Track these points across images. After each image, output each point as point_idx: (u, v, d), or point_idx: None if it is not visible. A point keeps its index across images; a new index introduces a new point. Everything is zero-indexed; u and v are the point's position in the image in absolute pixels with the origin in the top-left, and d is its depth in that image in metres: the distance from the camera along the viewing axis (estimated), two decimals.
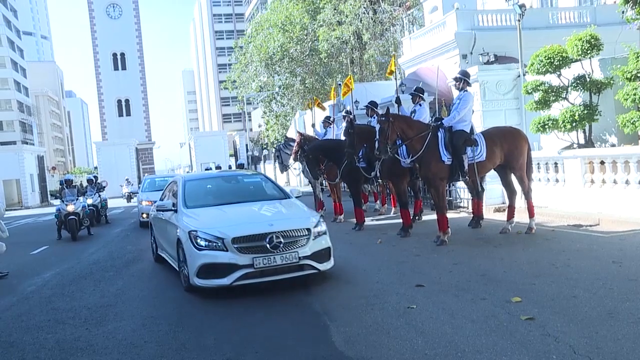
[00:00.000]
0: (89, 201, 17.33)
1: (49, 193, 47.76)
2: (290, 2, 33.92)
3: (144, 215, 15.70)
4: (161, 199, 9.23)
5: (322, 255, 6.79)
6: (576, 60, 11.46)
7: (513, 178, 9.63)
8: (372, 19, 29.88)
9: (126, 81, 66.00)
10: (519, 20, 14.09)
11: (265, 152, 51.15)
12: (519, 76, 13.16)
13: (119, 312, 6.36)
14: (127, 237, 14.60)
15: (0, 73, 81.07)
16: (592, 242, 8.13)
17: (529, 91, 12.00)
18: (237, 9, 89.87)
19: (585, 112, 11.02)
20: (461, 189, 13.12)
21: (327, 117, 15.29)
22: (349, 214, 12.94)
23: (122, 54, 66.44)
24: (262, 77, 38.54)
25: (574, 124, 11.15)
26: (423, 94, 10.83)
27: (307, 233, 6.65)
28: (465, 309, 5.27)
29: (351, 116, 12.83)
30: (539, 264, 6.93)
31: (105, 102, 66.50)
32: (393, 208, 13.74)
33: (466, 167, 9.02)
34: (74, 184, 16.62)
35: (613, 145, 11.56)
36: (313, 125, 17.59)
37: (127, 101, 67.25)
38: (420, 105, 10.63)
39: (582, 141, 11.84)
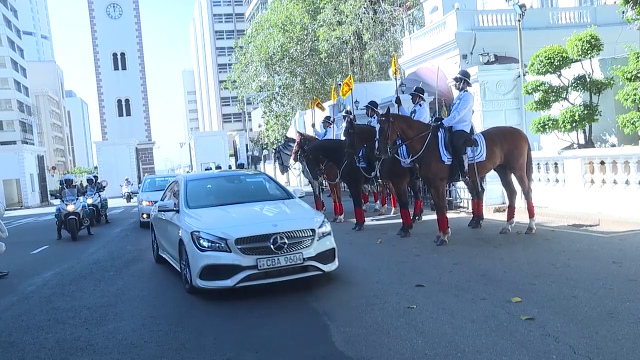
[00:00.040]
0: (89, 201, 17.33)
1: (49, 193, 47.77)
2: (290, 2, 33.93)
3: (144, 216, 15.61)
4: (162, 199, 9.12)
5: (326, 256, 6.71)
6: (576, 61, 11.46)
7: (513, 178, 9.63)
8: (372, 19, 29.89)
9: (126, 81, 66.06)
10: (519, 21, 14.10)
11: (265, 152, 51.18)
12: (519, 76, 13.17)
13: (119, 312, 6.36)
14: (127, 237, 14.60)
15: (0, 73, 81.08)
16: (592, 243, 8.13)
17: (529, 91, 12.01)
18: (237, 8, 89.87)
19: (586, 112, 11.02)
20: (461, 189, 13.12)
21: (327, 117, 15.29)
22: (349, 214, 12.94)
23: (122, 54, 66.48)
24: (262, 77, 38.56)
25: (574, 124, 11.15)
26: (423, 94, 10.83)
27: (311, 234, 6.56)
28: (465, 309, 5.27)
29: (351, 116, 12.83)
30: (539, 264, 6.93)
31: (105, 102, 66.55)
32: (393, 208, 13.74)
33: (466, 167, 9.02)
34: (74, 184, 16.61)
35: (613, 146, 11.56)
36: (313, 125, 17.61)
37: (127, 101, 67.30)
38: (420, 105, 10.63)
39: (582, 141, 11.84)
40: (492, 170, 9.78)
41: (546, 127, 11.67)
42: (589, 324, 4.58)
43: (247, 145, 51.51)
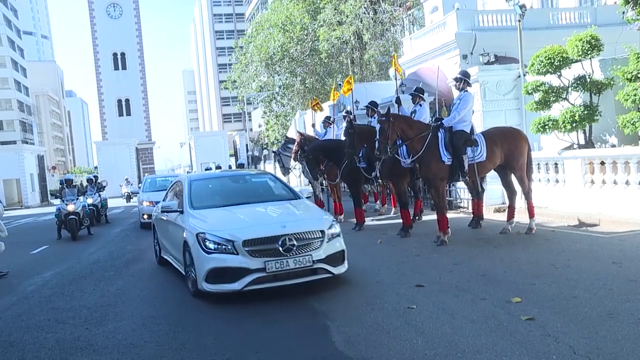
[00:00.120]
0: (89, 201, 17.33)
1: (49, 193, 47.79)
2: (290, 2, 33.92)
3: (145, 216, 15.40)
4: (164, 200, 8.99)
5: (336, 258, 6.53)
6: (576, 61, 11.46)
7: (513, 178, 9.63)
8: (372, 19, 29.88)
9: (126, 81, 66.12)
10: (519, 21, 14.09)
11: (265, 152, 51.17)
12: (519, 76, 13.17)
13: (119, 311, 6.36)
14: (127, 237, 14.60)
15: (0, 72, 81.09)
16: (592, 243, 8.13)
17: (529, 91, 12.01)
18: (237, 8, 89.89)
19: (586, 112, 11.02)
20: (461, 189, 13.12)
21: (327, 117, 15.29)
22: (349, 214, 12.94)
23: (123, 54, 66.53)
24: (263, 77, 38.55)
25: (574, 125, 11.15)
26: (423, 94, 10.83)
27: (320, 235, 6.38)
28: (465, 309, 5.27)
29: (351, 116, 12.83)
30: (539, 265, 6.93)
31: (106, 101, 66.61)
32: (393, 208, 13.74)
33: (466, 167, 9.02)
34: (74, 184, 16.59)
35: (613, 146, 11.55)
36: (313, 125, 17.61)
37: (127, 101, 67.34)
38: (420, 105, 10.63)
39: (582, 142, 11.84)
40: (492, 171, 9.78)
41: (546, 127, 11.67)
42: (589, 324, 4.58)
43: (247, 145, 51.53)
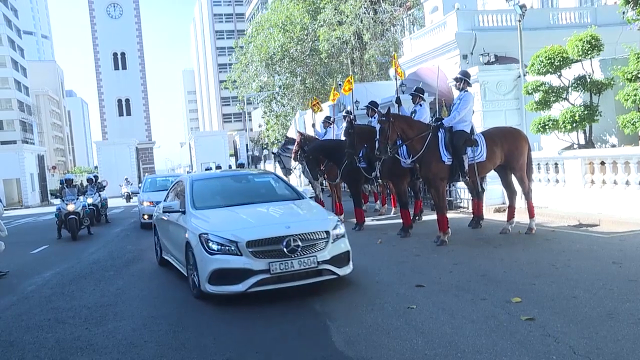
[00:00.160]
0: (89, 201, 17.32)
1: (49, 192, 47.79)
2: (290, 2, 33.92)
3: (145, 217, 15.32)
4: (165, 200, 8.92)
5: (341, 259, 6.44)
6: (577, 61, 11.46)
7: (513, 178, 9.63)
8: (372, 19, 29.88)
9: (126, 81, 66.14)
10: (519, 21, 14.09)
11: (265, 152, 51.18)
12: (519, 76, 13.17)
13: (119, 311, 6.36)
14: (127, 237, 14.60)
15: (0, 72, 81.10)
16: (592, 243, 8.13)
17: (530, 91, 12.00)
18: (237, 8, 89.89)
19: (586, 112, 11.02)
20: (461, 189, 13.12)
21: (327, 117, 15.29)
22: (349, 214, 12.94)
23: (123, 54, 66.56)
24: (263, 77, 38.56)
25: (574, 125, 11.15)
26: (423, 94, 10.83)
27: (325, 236, 6.29)
28: (465, 309, 5.27)
29: (351, 116, 12.83)
30: (539, 265, 6.93)
31: (106, 101, 66.64)
32: (393, 208, 13.74)
33: (466, 167, 9.02)
34: (74, 184, 16.58)
35: (613, 146, 11.55)
36: (313, 125, 17.60)
37: (127, 101, 67.36)
38: (420, 105, 10.63)
39: (582, 142, 11.83)
40: (493, 171, 9.78)
41: (546, 127, 11.67)
42: (589, 325, 4.58)
43: (247, 145, 51.56)
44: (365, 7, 29.68)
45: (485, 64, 16.99)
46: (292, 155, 14.15)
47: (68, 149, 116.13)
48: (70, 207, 14.39)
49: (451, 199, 13.23)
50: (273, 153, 20.62)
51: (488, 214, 11.57)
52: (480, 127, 11.60)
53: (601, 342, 4.20)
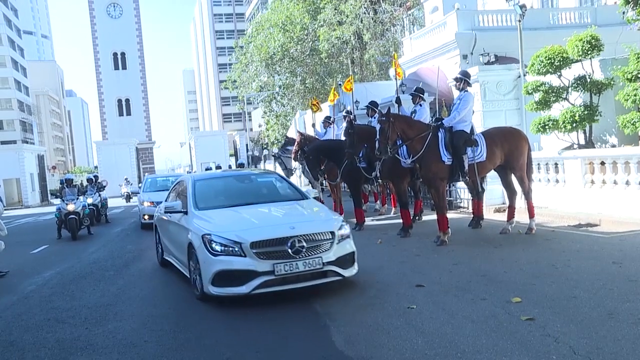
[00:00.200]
0: (89, 200, 17.30)
1: (49, 192, 47.81)
2: (290, 2, 33.91)
3: (146, 217, 15.21)
4: (166, 200, 8.82)
5: (346, 260, 6.36)
6: (577, 61, 11.46)
7: (513, 178, 9.63)
8: (372, 19, 29.87)
9: (126, 81, 66.15)
10: (519, 21, 14.10)
11: (265, 152, 51.17)
12: (519, 76, 13.16)
13: (119, 311, 6.36)
14: (128, 237, 14.60)
15: (0, 72, 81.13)
16: (592, 243, 8.13)
17: (530, 92, 12.00)
18: (237, 8, 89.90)
19: (586, 112, 11.02)
20: (461, 189, 13.12)
21: (328, 117, 15.30)
22: (349, 214, 12.93)
23: (123, 54, 66.56)
24: (263, 77, 38.56)
25: (574, 125, 11.15)
26: (423, 94, 10.83)
27: (330, 237, 6.20)
28: (466, 309, 5.27)
29: (351, 116, 12.83)
30: (539, 265, 6.93)
31: (106, 101, 66.65)
32: (393, 208, 13.74)
33: (466, 167, 9.01)
34: (74, 183, 16.58)
35: (613, 146, 11.55)
36: (313, 125, 17.61)
37: (127, 101, 67.36)
38: (420, 105, 10.63)
39: (582, 142, 11.83)
40: (493, 171, 9.78)
41: (546, 127, 11.67)
42: (589, 325, 4.58)
43: (247, 145, 51.58)
44: (365, 7, 29.68)
45: (485, 64, 17.00)
46: (292, 156, 14.15)
47: (68, 148, 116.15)
48: (71, 207, 14.39)
49: (451, 199, 13.23)
50: (273, 155, 20.64)
51: (488, 214, 11.57)
52: (480, 127, 11.60)
53: (601, 342, 4.20)
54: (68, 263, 10.37)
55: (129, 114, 67.18)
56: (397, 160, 9.79)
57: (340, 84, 19.20)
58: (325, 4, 30.65)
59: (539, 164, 12.01)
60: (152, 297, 7.11)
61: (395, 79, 13.77)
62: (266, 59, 34.70)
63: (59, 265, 10.11)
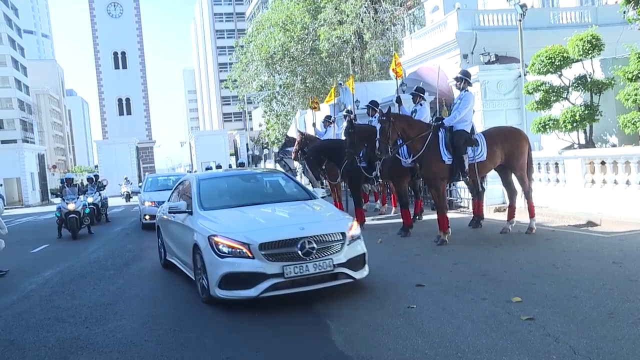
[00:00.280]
0: (90, 200, 17.28)
1: (49, 191, 47.85)
2: (291, 1, 33.89)
3: (147, 217, 15.03)
4: (169, 200, 8.69)
5: (357, 262, 6.18)
6: (577, 61, 11.45)
7: (513, 178, 9.63)
8: (373, 19, 29.86)
9: (127, 80, 66.14)
10: (520, 20, 14.09)
11: (265, 151, 51.20)
12: (519, 76, 13.16)
13: (119, 310, 6.36)
14: (128, 236, 14.60)
15: (1, 71, 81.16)
16: (592, 243, 8.13)
17: (530, 91, 12.00)
18: (238, 8, 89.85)
19: (586, 112, 11.01)
20: (462, 188, 13.11)
21: (328, 117, 15.29)
22: (349, 213, 12.92)
23: (123, 53, 66.55)
24: (263, 76, 38.54)
25: (574, 124, 11.14)
26: (424, 94, 10.83)
27: (341, 238, 6.03)
28: (466, 309, 5.27)
29: (352, 116, 12.83)
30: (539, 264, 6.93)
31: (106, 100, 66.64)
32: (393, 208, 13.74)
33: (467, 167, 9.01)
34: (74, 183, 16.57)
35: (614, 146, 11.55)
36: (314, 125, 17.60)
37: (127, 100, 67.35)
38: (421, 105, 10.63)
39: (582, 141, 11.83)
40: (493, 170, 9.77)
41: (547, 127, 11.66)
42: (589, 324, 4.58)
43: (247, 144, 51.57)
44: (365, 7, 29.66)
45: (486, 63, 17.00)
46: (293, 156, 14.15)
47: (68, 148, 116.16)
48: (71, 206, 14.39)
49: (451, 198, 13.23)
50: (277, 161, 20.65)
51: (488, 213, 11.57)
52: (481, 126, 11.60)
53: (601, 342, 4.19)
54: (68, 262, 10.38)
55: (129, 113, 67.17)
56: (398, 159, 9.78)
57: (340, 84, 19.19)
58: (326, 3, 30.63)
59: (539, 164, 12.01)
60: (152, 297, 7.11)
61: (395, 77, 13.75)
62: (266, 59, 34.68)
63: (59, 265, 10.12)
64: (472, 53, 18.94)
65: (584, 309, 5.00)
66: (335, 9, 30.33)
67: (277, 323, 5.41)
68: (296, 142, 13.66)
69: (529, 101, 12.42)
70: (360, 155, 11.04)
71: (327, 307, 5.76)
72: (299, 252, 5.72)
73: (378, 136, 9.00)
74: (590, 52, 11.14)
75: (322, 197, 7.77)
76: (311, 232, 5.88)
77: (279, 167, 21.04)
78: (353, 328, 5.04)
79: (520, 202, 9.93)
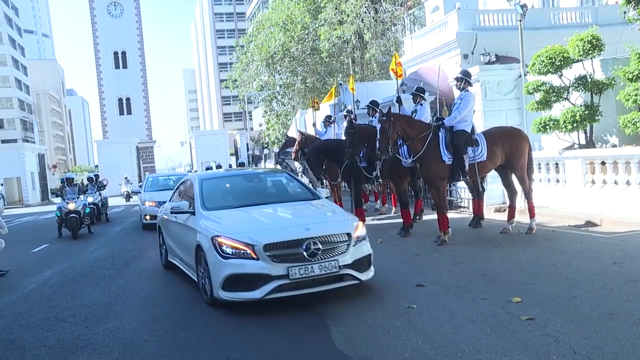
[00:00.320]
0: (90, 199, 17.27)
1: (49, 191, 47.86)
2: (291, 1, 33.90)
3: (147, 217, 14.97)
4: (170, 200, 8.62)
5: (362, 263, 6.09)
6: (577, 61, 11.45)
7: (514, 178, 9.63)
8: (373, 19, 29.86)
9: (127, 80, 66.15)
10: (520, 21, 14.09)
11: (266, 151, 51.19)
12: (520, 76, 13.15)
13: (119, 310, 6.36)
14: (128, 236, 14.60)
15: (1, 71, 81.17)
16: (592, 243, 8.12)
17: (530, 91, 12.00)
18: (238, 8, 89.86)
19: (587, 112, 11.01)
20: (462, 188, 13.11)
21: (328, 117, 15.29)
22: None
23: (123, 53, 66.56)
24: (263, 76, 38.55)
25: (575, 125, 11.14)
26: (424, 94, 10.83)
27: (347, 238, 5.93)
28: (466, 309, 5.27)
29: (352, 116, 12.82)
30: (539, 264, 6.93)
31: (106, 100, 66.65)
32: (393, 208, 13.73)
33: (467, 167, 9.01)
34: (74, 182, 16.58)
35: (614, 146, 11.55)
36: (314, 124, 17.61)
37: (128, 100, 67.36)
38: (421, 105, 10.63)
39: (583, 142, 11.83)
40: (493, 170, 9.77)
41: (547, 127, 11.66)
42: (589, 324, 4.58)
43: (247, 144, 51.55)
44: (366, 7, 29.67)
45: (486, 63, 17.00)
46: (293, 156, 14.15)
47: (68, 147, 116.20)
48: (71, 206, 14.39)
49: (452, 198, 13.23)
50: (278, 163, 20.63)
51: (488, 213, 11.57)
52: (481, 126, 11.60)
53: (601, 342, 4.19)
54: (68, 262, 10.38)
55: (129, 113, 67.17)
56: (398, 159, 9.78)
57: (340, 84, 19.19)
58: (326, 3, 30.63)
59: (539, 164, 12.00)
60: (152, 297, 7.11)
61: (395, 77, 13.73)
62: (267, 58, 34.68)
63: (59, 264, 10.12)
64: (473, 53, 18.95)
65: (584, 309, 5.00)
66: (336, 8, 30.34)
67: (277, 323, 5.40)
68: (296, 142, 13.66)
69: (529, 101, 12.42)
70: (361, 155, 11.03)
71: (327, 308, 5.75)
72: (304, 253, 5.63)
73: (378, 136, 8.99)
74: (590, 52, 11.14)
75: (326, 197, 7.70)
76: (316, 232, 5.79)
77: (279, 168, 21.02)
78: (353, 328, 5.04)
79: (521, 202, 9.92)
